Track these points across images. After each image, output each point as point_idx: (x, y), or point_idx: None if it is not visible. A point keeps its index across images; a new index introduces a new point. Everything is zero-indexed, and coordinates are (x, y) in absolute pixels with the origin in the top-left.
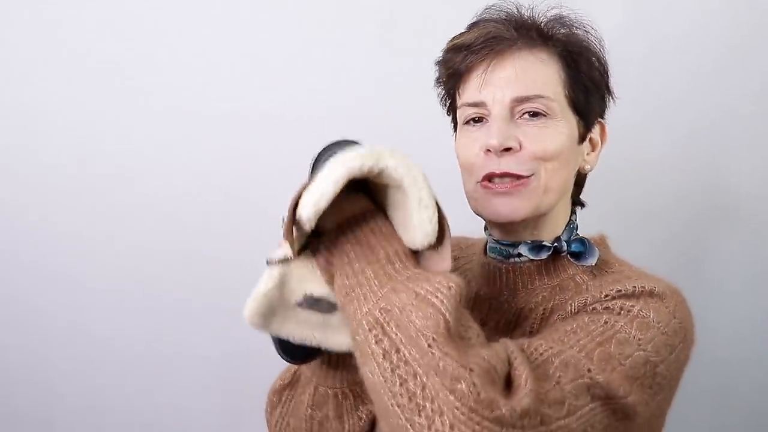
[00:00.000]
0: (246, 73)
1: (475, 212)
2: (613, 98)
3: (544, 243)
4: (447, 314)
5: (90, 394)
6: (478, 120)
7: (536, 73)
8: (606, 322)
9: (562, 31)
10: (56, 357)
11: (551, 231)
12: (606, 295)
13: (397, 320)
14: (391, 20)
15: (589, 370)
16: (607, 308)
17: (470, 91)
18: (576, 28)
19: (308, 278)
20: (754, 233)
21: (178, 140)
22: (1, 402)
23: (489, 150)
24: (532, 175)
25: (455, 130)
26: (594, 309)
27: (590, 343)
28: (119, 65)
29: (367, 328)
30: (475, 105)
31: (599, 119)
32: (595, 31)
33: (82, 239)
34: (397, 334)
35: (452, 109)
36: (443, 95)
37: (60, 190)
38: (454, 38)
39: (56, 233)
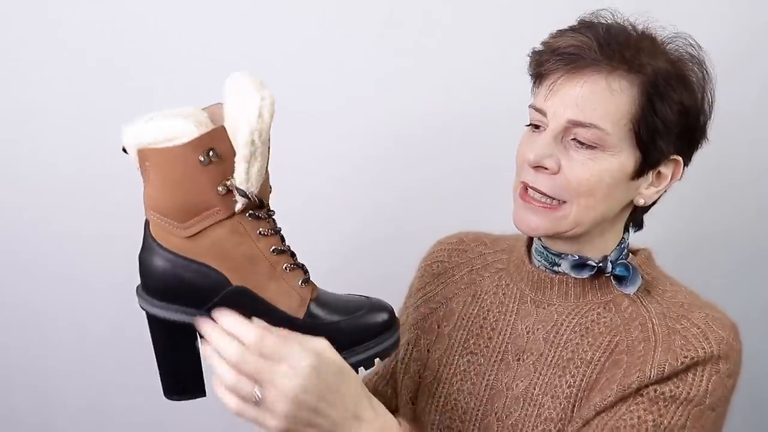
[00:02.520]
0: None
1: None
2: (705, 139)
3: (589, 261)
4: None
5: (90, 394)
6: (537, 127)
7: (600, 102)
8: (666, 427)
9: (657, 60)
10: (56, 357)
11: (599, 250)
12: (681, 363)
13: None
14: (392, 20)
15: None
16: (673, 397)
17: (538, 97)
18: (679, 59)
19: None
20: (754, 231)
21: None
22: (0, 402)
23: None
24: (564, 203)
25: None
26: (662, 395)
27: None
28: (119, 65)
29: None
30: (538, 111)
31: (675, 157)
32: (707, 68)
33: (82, 239)
34: None
35: None
36: (533, 85)
37: (60, 190)
38: (554, 35)
39: (56, 233)
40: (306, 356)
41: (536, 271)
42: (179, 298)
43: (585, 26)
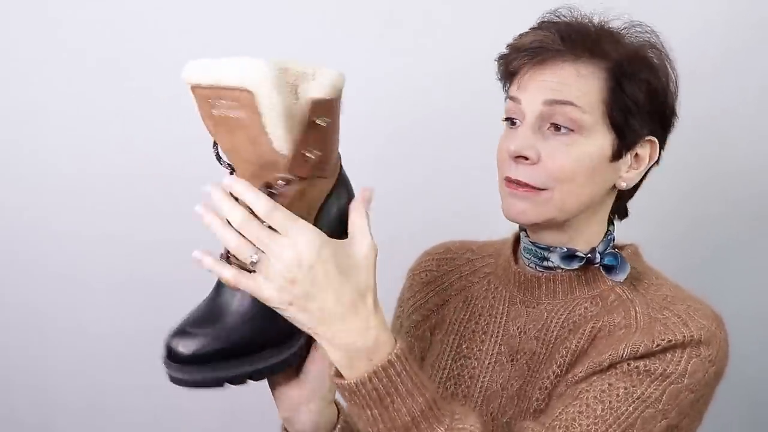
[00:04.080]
0: None
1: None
2: (674, 117)
3: (577, 253)
4: None
5: (89, 394)
6: (513, 122)
7: (572, 84)
8: (639, 397)
9: (619, 47)
10: (56, 357)
11: (586, 241)
12: (657, 345)
13: None
14: (392, 20)
15: None
16: (647, 371)
17: (512, 89)
18: (639, 45)
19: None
20: (755, 231)
21: (179, 139)
22: (0, 402)
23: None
24: (546, 189)
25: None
26: (637, 368)
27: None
28: (120, 64)
29: None
30: (513, 100)
31: (650, 138)
32: (665, 51)
33: (83, 239)
34: None
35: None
36: (504, 88)
37: (60, 190)
38: (516, 37)
39: (56, 233)
40: (310, 235)
41: (523, 271)
42: None
43: (547, 23)
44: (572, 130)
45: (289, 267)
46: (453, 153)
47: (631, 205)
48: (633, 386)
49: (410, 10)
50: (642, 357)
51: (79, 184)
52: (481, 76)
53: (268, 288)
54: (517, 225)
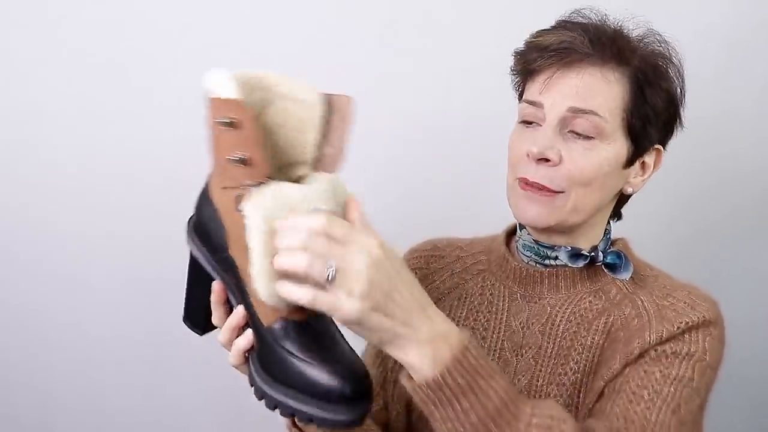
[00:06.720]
0: None
1: (510, 205)
2: (681, 126)
3: (582, 251)
4: None
5: (90, 394)
6: (530, 123)
7: (598, 91)
8: (675, 378)
9: (641, 54)
10: (56, 357)
11: (588, 240)
12: (678, 328)
13: None
14: (392, 20)
15: None
16: (674, 353)
17: (532, 92)
18: (658, 54)
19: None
20: (756, 233)
21: (179, 139)
22: (0, 402)
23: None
24: (562, 192)
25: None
26: (664, 352)
27: (667, 415)
28: (120, 64)
29: None
30: (533, 104)
31: (657, 146)
32: (679, 58)
33: (83, 239)
34: None
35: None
36: (517, 83)
37: (60, 190)
38: (536, 34)
39: (56, 233)
40: (373, 240)
41: (523, 267)
42: (203, 239)
43: (571, 24)
44: (593, 137)
45: (367, 270)
46: (453, 153)
47: (633, 206)
48: (666, 369)
49: (410, 10)
50: (666, 341)
51: (80, 184)
52: (481, 75)
53: (350, 300)
54: (512, 222)
